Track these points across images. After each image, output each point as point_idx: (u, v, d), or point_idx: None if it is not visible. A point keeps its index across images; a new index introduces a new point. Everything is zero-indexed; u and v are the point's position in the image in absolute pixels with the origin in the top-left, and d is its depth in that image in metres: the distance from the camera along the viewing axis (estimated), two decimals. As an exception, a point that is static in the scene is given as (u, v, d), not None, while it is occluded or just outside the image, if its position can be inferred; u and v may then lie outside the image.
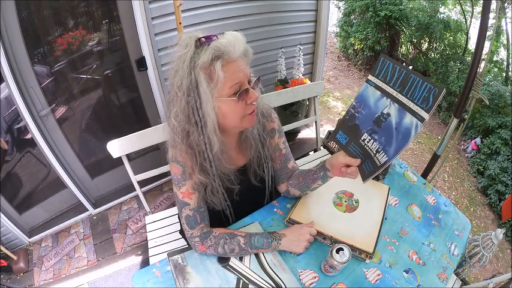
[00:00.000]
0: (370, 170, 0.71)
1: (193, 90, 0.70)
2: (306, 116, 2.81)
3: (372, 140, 0.72)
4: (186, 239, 1.22)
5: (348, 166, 0.77)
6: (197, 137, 0.76)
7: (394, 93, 0.70)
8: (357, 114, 0.77)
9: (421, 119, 0.63)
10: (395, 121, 0.68)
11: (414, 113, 0.64)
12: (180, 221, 0.86)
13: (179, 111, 0.73)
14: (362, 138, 0.75)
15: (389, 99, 0.71)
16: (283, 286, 0.80)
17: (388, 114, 0.70)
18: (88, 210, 2.06)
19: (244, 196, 0.94)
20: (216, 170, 0.82)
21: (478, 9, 4.58)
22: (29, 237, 1.92)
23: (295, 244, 0.87)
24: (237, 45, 0.71)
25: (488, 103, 2.32)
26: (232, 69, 0.71)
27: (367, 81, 0.77)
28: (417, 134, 0.63)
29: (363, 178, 0.74)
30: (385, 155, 0.68)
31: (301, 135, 2.88)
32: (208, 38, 0.70)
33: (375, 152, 0.71)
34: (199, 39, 0.70)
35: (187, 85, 0.70)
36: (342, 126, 0.81)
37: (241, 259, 0.87)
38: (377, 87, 0.74)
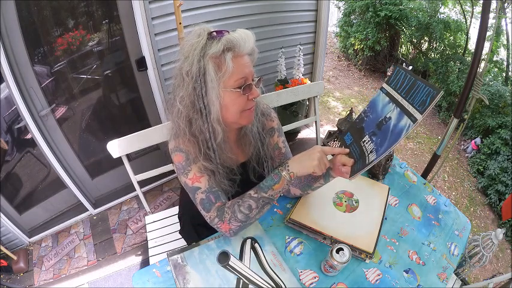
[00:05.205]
0: (358, 168, 0.74)
1: (201, 77, 0.73)
2: (306, 116, 2.81)
3: (370, 141, 0.75)
4: (186, 239, 1.22)
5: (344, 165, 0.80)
6: (201, 125, 0.77)
7: (400, 98, 0.73)
8: (365, 118, 0.82)
9: (414, 120, 0.65)
10: (393, 123, 0.71)
11: (410, 115, 0.67)
12: (199, 210, 0.83)
13: (185, 96, 0.75)
14: (363, 140, 0.77)
15: (394, 104, 0.74)
16: (283, 286, 0.80)
17: (390, 118, 0.73)
18: (88, 210, 2.06)
19: (245, 190, 0.94)
20: (219, 159, 0.83)
21: (478, 9, 4.57)
22: (29, 237, 1.92)
23: (306, 159, 0.79)
24: (248, 42, 0.75)
25: (488, 103, 2.32)
26: (240, 63, 0.75)
27: (381, 88, 0.81)
28: (407, 134, 0.65)
29: (350, 175, 0.76)
30: (375, 154, 0.71)
31: (301, 135, 2.89)
32: (220, 33, 0.74)
33: (369, 152, 0.73)
34: (211, 32, 0.74)
35: (195, 71, 0.72)
36: (351, 128, 0.85)
37: (241, 259, 0.87)
38: (387, 94, 0.78)
